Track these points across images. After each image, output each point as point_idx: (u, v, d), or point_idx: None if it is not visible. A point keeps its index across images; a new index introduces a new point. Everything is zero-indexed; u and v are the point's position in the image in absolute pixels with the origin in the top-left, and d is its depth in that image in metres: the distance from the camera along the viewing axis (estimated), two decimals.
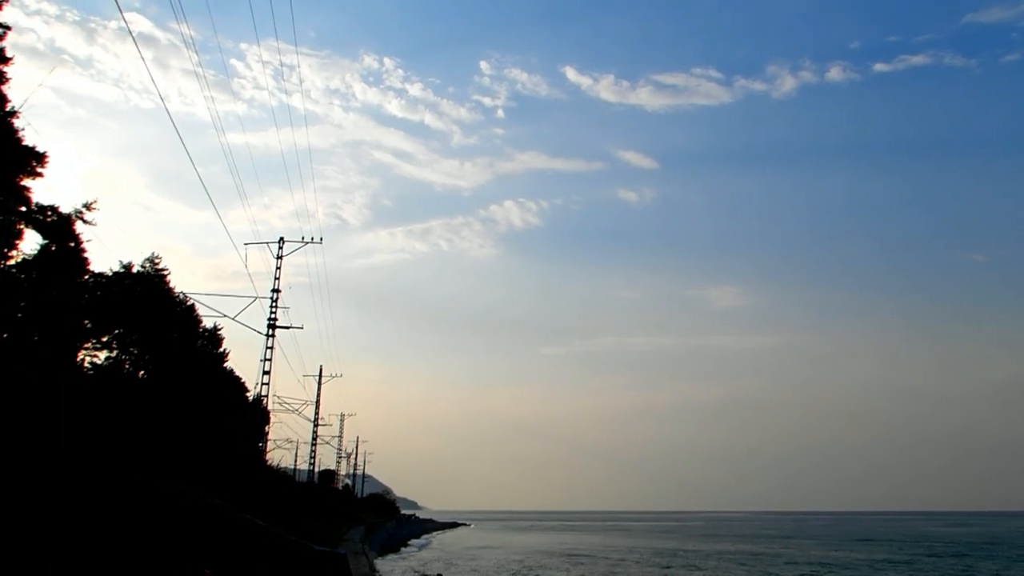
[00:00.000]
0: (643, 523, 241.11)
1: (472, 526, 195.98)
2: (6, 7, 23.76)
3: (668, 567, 64.83)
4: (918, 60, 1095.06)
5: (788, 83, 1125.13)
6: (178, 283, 37.70)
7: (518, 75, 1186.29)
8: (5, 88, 24.03)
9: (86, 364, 30.99)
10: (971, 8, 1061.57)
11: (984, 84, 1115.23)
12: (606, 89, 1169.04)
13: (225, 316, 38.74)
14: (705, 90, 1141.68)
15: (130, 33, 13.56)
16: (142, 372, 33.88)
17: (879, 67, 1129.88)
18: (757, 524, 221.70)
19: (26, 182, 25.48)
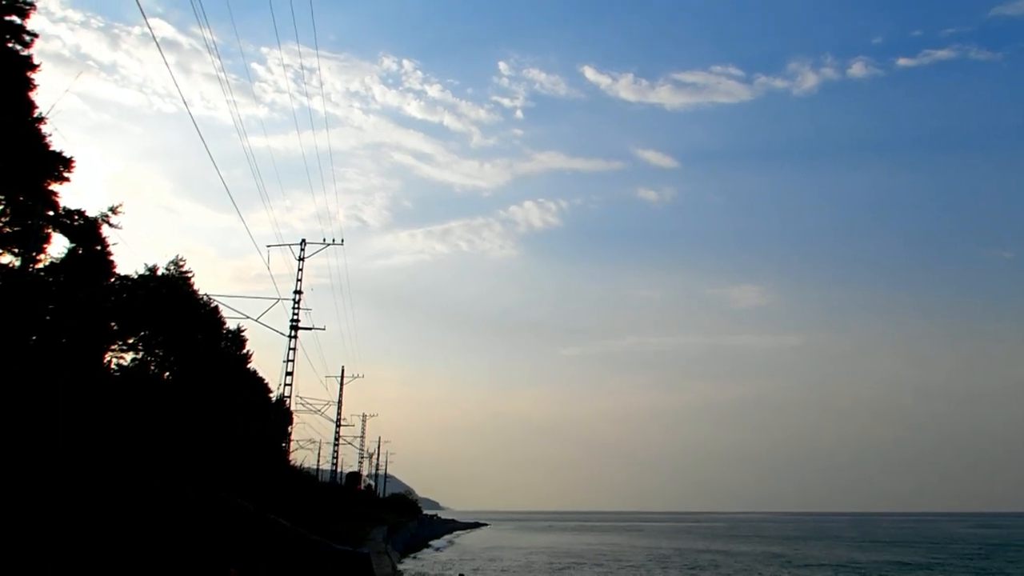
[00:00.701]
0: (663, 524, 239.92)
1: (493, 526, 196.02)
2: (33, 15, 24.18)
3: (693, 567, 64.45)
4: (943, 54, 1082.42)
5: (809, 80, 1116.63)
6: (202, 285, 38.41)
7: (537, 75, 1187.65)
8: (33, 95, 24.44)
9: (112, 366, 31.46)
10: (997, 1, 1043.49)
11: (1010, 78, 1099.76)
12: (625, 88, 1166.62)
13: (248, 318, 39.10)
14: (725, 88, 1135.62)
15: (154, 38, 13.70)
16: (167, 373, 34.31)
17: (903, 62, 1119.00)
18: (777, 525, 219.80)
19: (53, 187, 25.89)
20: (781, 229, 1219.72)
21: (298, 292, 41.39)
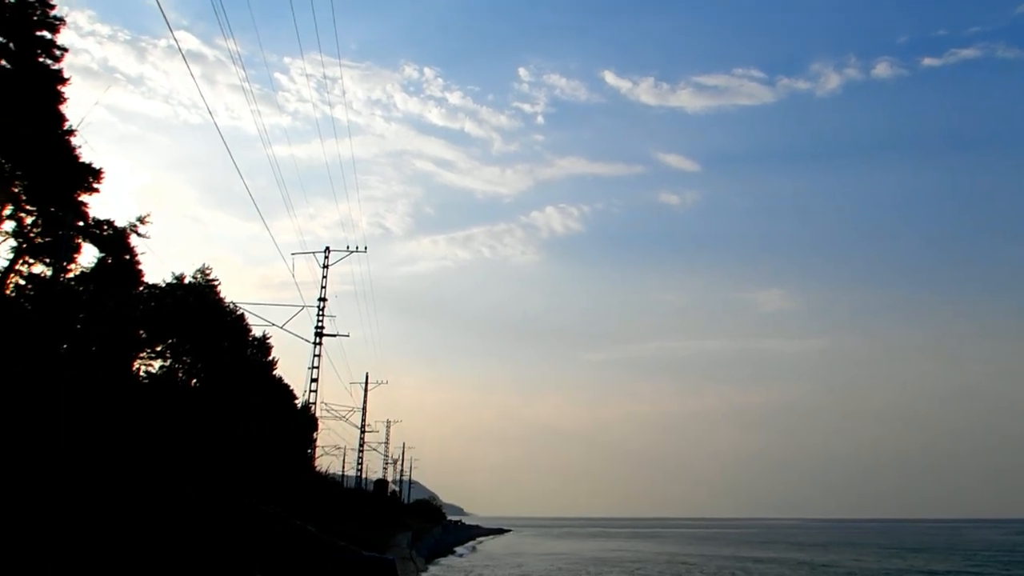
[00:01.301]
0: (689, 530, 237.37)
1: (516, 532, 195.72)
2: (63, 30, 24.70)
3: (717, 575, 63.80)
4: (968, 53, 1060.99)
5: (832, 81, 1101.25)
6: (228, 293, 38.69)
7: (557, 80, 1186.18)
8: (63, 108, 24.95)
9: (141, 373, 31.94)
10: None
11: None
12: (646, 92, 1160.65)
13: (273, 325, 39.53)
14: (747, 90, 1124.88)
15: (180, 51, 13.94)
16: (194, 380, 34.74)
17: (928, 61, 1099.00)
18: (805, 531, 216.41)
19: (83, 198, 26.42)
20: (804, 231, 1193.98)
21: (322, 299, 41.79)
